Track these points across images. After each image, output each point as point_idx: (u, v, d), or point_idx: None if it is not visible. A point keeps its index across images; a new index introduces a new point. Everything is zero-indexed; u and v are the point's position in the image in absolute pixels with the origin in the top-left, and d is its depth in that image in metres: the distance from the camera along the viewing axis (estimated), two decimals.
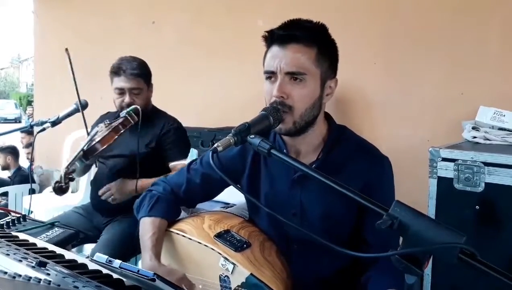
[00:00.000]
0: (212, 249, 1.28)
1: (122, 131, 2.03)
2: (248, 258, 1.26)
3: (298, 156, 1.32)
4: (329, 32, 1.28)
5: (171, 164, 2.19)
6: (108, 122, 2.09)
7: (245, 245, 1.30)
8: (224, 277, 1.26)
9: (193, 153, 2.17)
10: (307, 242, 1.30)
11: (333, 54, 1.28)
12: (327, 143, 1.31)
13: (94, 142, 1.96)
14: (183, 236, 1.36)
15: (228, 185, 1.45)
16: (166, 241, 1.40)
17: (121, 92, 2.19)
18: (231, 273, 1.25)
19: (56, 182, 1.89)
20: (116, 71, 2.21)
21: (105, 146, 1.98)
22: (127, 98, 2.18)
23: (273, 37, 1.23)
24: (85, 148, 1.94)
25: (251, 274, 1.22)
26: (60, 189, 1.87)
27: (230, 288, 1.26)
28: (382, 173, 1.31)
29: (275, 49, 1.22)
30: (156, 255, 1.31)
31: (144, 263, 1.30)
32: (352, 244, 1.31)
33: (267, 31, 1.25)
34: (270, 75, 1.23)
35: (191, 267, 1.33)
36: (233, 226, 1.38)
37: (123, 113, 2.07)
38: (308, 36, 1.21)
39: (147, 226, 1.38)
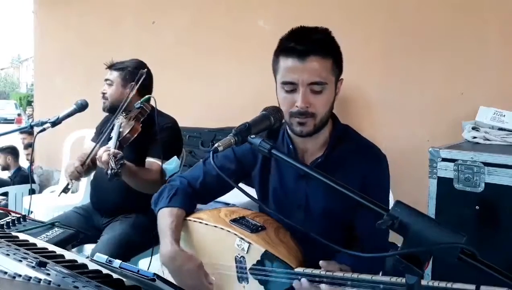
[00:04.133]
0: (228, 231, 1.34)
1: (142, 119, 2.13)
2: (264, 239, 1.31)
3: (306, 153, 1.42)
4: (335, 38, 1.36)
5: (148, 159, 2.17)
6: (125, 114, 2.15)
7: (260, 228, 1.34)
8: (240, 257, 1.31)
9: (172, 162, 2.12)
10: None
11: (341, 59, 1.37)
12: (331, 141, 1.41)
13: (125, 133, 2.05)
14: (200, 222, 1.41)
15: (242, 179, 1.52)
16: (184, 229, 1.45)
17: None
18: (247, 252, 1.29)
19: (111, 168, 1.81)
20: None
21: (135, 135, 2.07)
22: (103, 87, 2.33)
23: (289, 48, 1.29)
24: (120, 139, 2.02)
25: (266, 250, 1.27)
26: (116, 175, 1.81)
27: (246, 267, 1.30)
28: (379, 171, 1.41)
29: (293, 61, 1.29)
30: (176, 240, 1.37)
31: (164, 249, 1.35)
32: (349, 233, 1.42)
33: (282, 41, 1.33)
34: (290, 87, 1.30)
35: (207, 252, 1.38)
36: (248, 215, 1.43)
37: (137, 104, 2.13)
38: (324, 49, 1.30)
39: (166, 216, 1.43)
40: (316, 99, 1.30)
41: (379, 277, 1.11)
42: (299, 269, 1.23)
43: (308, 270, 1.21)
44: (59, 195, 2.15)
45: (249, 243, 1.29)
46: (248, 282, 1.31)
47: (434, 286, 1.02)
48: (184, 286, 1.31)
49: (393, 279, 1.07)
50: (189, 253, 1.37)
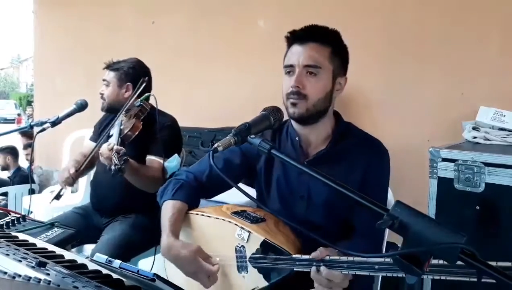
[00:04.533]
0: (229, 221, 1.38)
1: (143, 117, 2.14)
2: (264, 229, 1.35)
3: (310, 145, 1.48)
4: (341, 37, 1.46)
5: (149, 157, 2.16)
6: (125, 113, 2.15)
7: (260, 220, 1.38)
8: (240, 247, 1.34)
9: (173, 160, 2.12)
10: (312, 224, 1.43)
11: (344, 55, 1.46)
12: (334, 135, 1.48)
13: (126, 131, 2.06)
14: (202, 215, 1.46)
15: (247, 173, 1.57)
16: (186, 223, 1.48)
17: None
18: (247, 241, 1.33)
19: (114, 164, 1.79)
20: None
21: (136, 133, 2.07)
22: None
23: (294, 36, 1.42)
24: (121, 136, 2.02)
25: (265, 238, 1.30)
26: (120, 170, 1.80)
27: (246, 257, 1.33)
28: (380, 164, 1.46)
29: (295, 46, 1.41)
30: (172, 233, 1.41)
31: (162, 241, 1.41)
32: (349, 223, 1.46)
33: (289, 32, 1.44)
34: (290, 69, 1.40)
35: (208, 243, 1.41)
36: (249, 209, 1.47)
37: (137, 103, 2.14)
38: (324, 37, 1.40)
39: (168, 209, 1.48)
40: (309, 81, 1.37)
41: (374, 259, 1.11)
42: (297, 256, 1.24)
43: (306, 256, 1.22)
44: (50, 203, 2.12)
45: (249, 232, 1.32)
46: (247, 271, 1.33)
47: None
48: (187, 274, 1.36)
49: (388, 259, 1.08)
50: (184, 242, 1.40)
